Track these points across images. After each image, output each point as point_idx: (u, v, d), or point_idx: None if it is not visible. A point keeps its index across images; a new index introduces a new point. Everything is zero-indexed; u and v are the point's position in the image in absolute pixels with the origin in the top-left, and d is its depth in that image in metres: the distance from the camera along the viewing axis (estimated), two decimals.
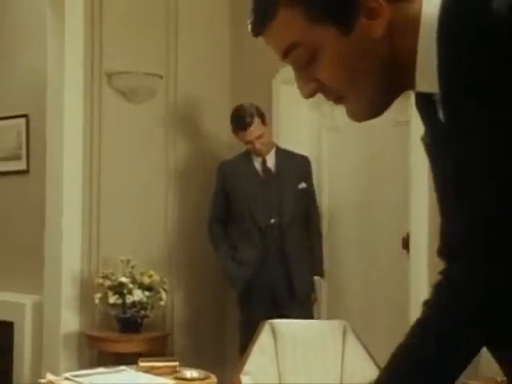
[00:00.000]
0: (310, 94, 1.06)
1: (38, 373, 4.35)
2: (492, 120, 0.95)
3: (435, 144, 1.08)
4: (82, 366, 4.10)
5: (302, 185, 3.88)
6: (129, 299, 4.10)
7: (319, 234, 4.05)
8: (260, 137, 3.77)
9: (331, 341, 3.29)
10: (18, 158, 4.98)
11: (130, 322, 4.16)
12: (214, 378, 3.31)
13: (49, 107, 4.37)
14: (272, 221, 3.83)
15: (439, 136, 1.04)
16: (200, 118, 4.55)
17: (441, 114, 1.02)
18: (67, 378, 3.18)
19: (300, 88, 1.06)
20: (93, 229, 4.36)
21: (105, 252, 4.34)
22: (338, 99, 1.06)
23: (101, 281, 4.16)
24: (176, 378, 3.24)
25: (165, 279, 4.25)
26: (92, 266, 4.38)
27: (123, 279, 4.09)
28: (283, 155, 3.93)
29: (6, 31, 5.08)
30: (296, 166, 3.92)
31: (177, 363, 3.40)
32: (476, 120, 0.96)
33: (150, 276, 4.18)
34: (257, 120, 3.75)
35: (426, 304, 1.14)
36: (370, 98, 1.04)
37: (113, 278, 4.12)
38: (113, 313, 4.18)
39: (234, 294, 4.07)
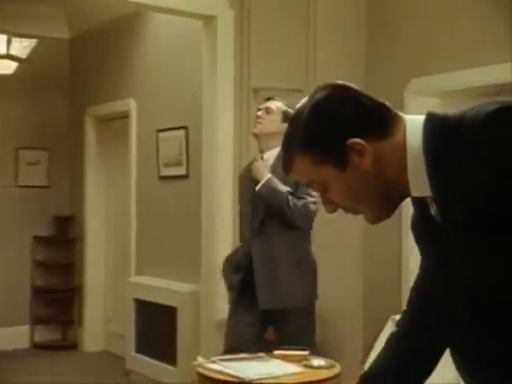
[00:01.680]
0: (331, 212, 1.37)
1: (196, 353, 4.67)
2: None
3: (425, 231, 1.35)
4: None
5: (273, 177, 3.57)
6: None
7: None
8: (268, 110, 3.63)
9: None
10: (179, 164, 5.32)
11: None
12: (337, 368, 3.32)
13: (204, 120, 4.64)
14: (251, 224, 3.61)
15: (430, 226, 1.30)
16: None
17: (432, 211, 1.28)
18: (214, 362, 3.34)
19: (324, 206, 1.37)
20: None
21: None
22: (353, 212, 1.35)
23: None
24: (304, 366, 3.30)
25: None
26: None
27: None
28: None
29: (155, 66, 5.50)
30: None
31: (307, 352, 3.42)
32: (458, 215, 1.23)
33: None
34: (275, 102, 3.69)
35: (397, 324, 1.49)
36: (375, 210, 1.32)
37: None
38: None
39: (375, 289, 4.06)
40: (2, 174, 6.67)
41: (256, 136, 3.71)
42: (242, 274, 3.61)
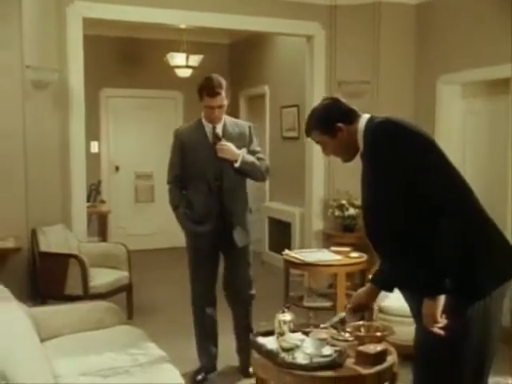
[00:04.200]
0: (327, 156, 2.29)
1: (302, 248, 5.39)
2: (367, 164, 2.16)
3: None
4: None
5: (242, 150, 3.61)
6: (346, 213, 5.38)
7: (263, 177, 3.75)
8: (221, 107, 3.53)
9: None
10: (294, 129, 6.38)
11: (347, 226, 5.43)
12: (364, 257, 3.95)
13: (306, 102, 5.66)
14: (218, 182, 3.58)
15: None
16: (393, 111, 5.05)
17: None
18: (295, 252, 4.13)
19: (323, 153, 2.27)
20: (330, 174, 5.60)
21: (336, 186, 5.52)
22: (336, 156, 2.25)
23: (331, 202, 5.50)
24: (345, 257, 4.02)
25: None
26: (329, 194, 5.59)
27: (343, 202, 5.42)
28: (229, 123, 3.66)
29: (279, 64, 6.48)
30: (238, 132, 3.65)
31: (350, 249, 4.11)
32: (366, 163, 2.17)
33: (358, 200, 4.94)
34: (223, 92, 3.51)
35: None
36: (345, 157, 2.24)
37: (338, 201, 5.44)
38: (338, 221, 5.46)
39: None
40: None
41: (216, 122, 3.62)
42: (214, 223, 3.60)
